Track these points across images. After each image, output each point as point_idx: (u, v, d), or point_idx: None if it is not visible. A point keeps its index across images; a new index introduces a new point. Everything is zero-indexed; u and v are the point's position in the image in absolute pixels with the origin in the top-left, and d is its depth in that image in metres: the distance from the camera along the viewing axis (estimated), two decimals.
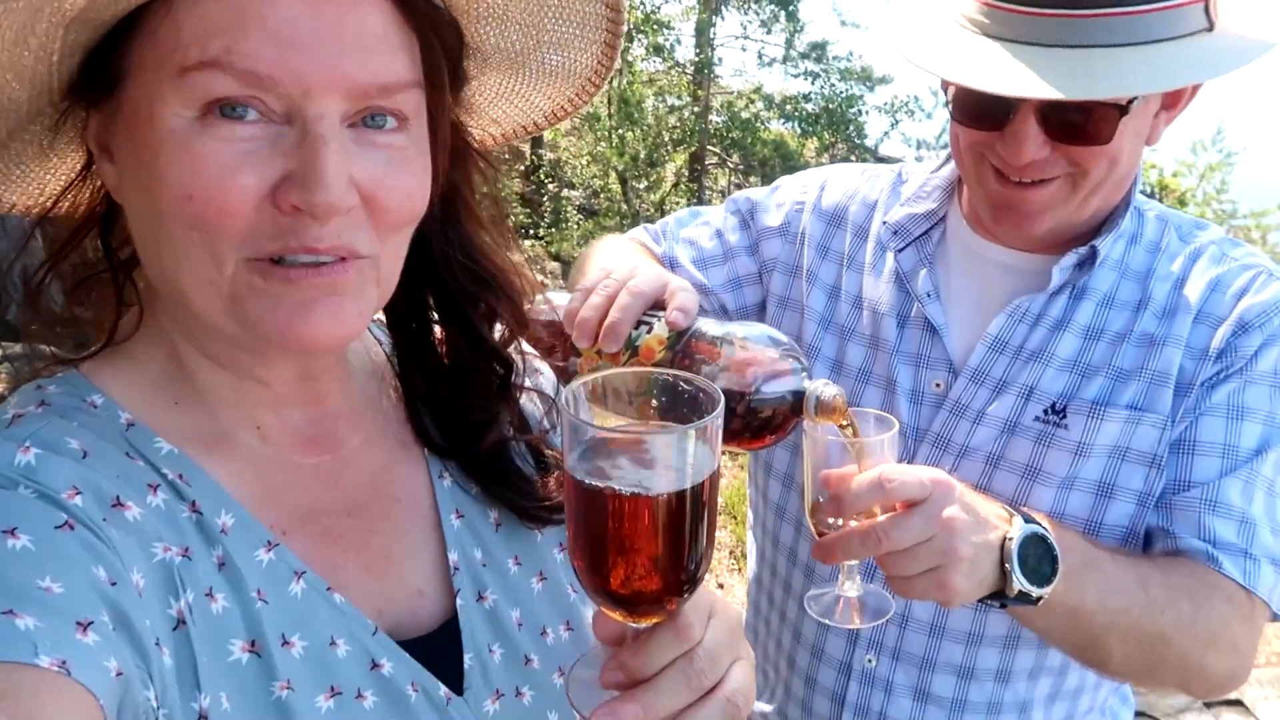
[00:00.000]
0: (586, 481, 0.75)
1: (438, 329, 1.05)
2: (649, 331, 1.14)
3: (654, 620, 0.79)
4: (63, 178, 0.89)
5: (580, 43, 0.96)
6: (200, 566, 0.80)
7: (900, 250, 1.59)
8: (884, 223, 1.62)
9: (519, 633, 0.99)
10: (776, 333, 1.17)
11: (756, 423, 1.11)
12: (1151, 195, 14.29)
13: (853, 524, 1.16)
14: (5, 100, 0.76)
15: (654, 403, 0.82)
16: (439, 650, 0.92)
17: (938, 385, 1.52)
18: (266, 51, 0.71)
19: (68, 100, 0.80)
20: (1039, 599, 1.19)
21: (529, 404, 1.13)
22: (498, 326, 1.05)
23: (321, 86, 0.74)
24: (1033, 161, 1.32)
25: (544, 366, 1.17)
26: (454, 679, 0.92)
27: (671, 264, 1.75)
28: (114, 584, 0.71)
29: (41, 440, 0.77)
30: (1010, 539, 1.18)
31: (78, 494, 0.74)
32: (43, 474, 0.74)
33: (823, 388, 1.11)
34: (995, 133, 1.34)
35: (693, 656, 0.78)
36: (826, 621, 1.29)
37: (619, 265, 1.26)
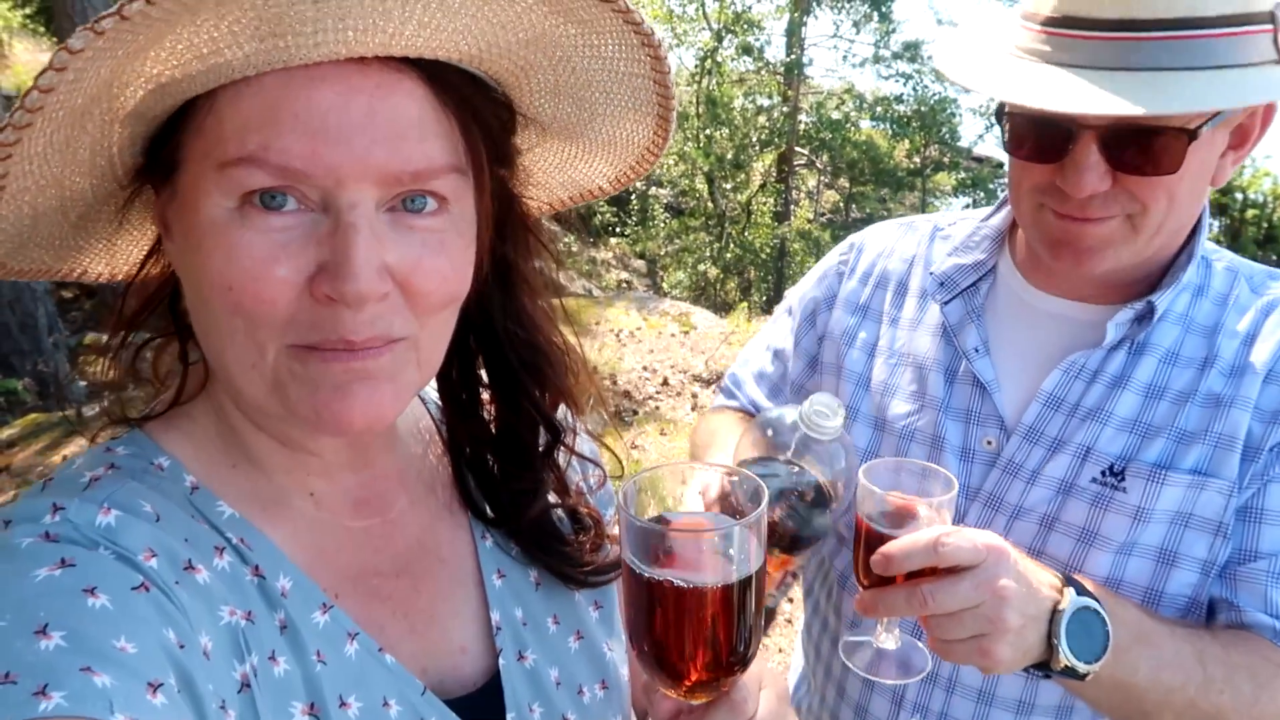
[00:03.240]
0: (644, 574, 0.78)
1: (485, 394, 1.05)
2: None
3: (709, 698, 0.83)
4: (143, 248, 0.93)
5: (633, 115, 0.97)
6: (263, 630, 0.82)
7: (947, 302, 1.53)
8: (930, 273, 1.56)
9: (557, 692, 1.00)
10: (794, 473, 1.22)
11: (795, 533, 1.18)
12: (1264, 206, 13.64)
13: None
14: (71, 190, 0.79)
15: (706, 497, 0.88)
16: (482, 709, 0.94)
17: (989, 443, 1.45)
18: (299, 146, 0.72)
19: (136, 182, 0.83)
20: (1086, 674, 1.15)
21: (569, 466, 1.13)
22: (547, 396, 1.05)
23: (353, 176, 0.74)
24: (1093, 195, 1.25)
25: (581, 430, 1.17)
26: None
27: (755, 407, 1.76)
28: (182, 647, 0.73)
29: (119, 502, 0.79)
30: (1061, 610, 1.14)
31: (153, 556, 0.76)
32: (122, 535, 0.76)
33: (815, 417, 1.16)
34: (1055, 165, 1.27)
35: None
36: (856, 670, 1.26)
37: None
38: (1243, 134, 1.31)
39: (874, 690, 1.50)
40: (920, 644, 1.26)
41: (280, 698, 0.81)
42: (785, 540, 1.19)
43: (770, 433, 1.21)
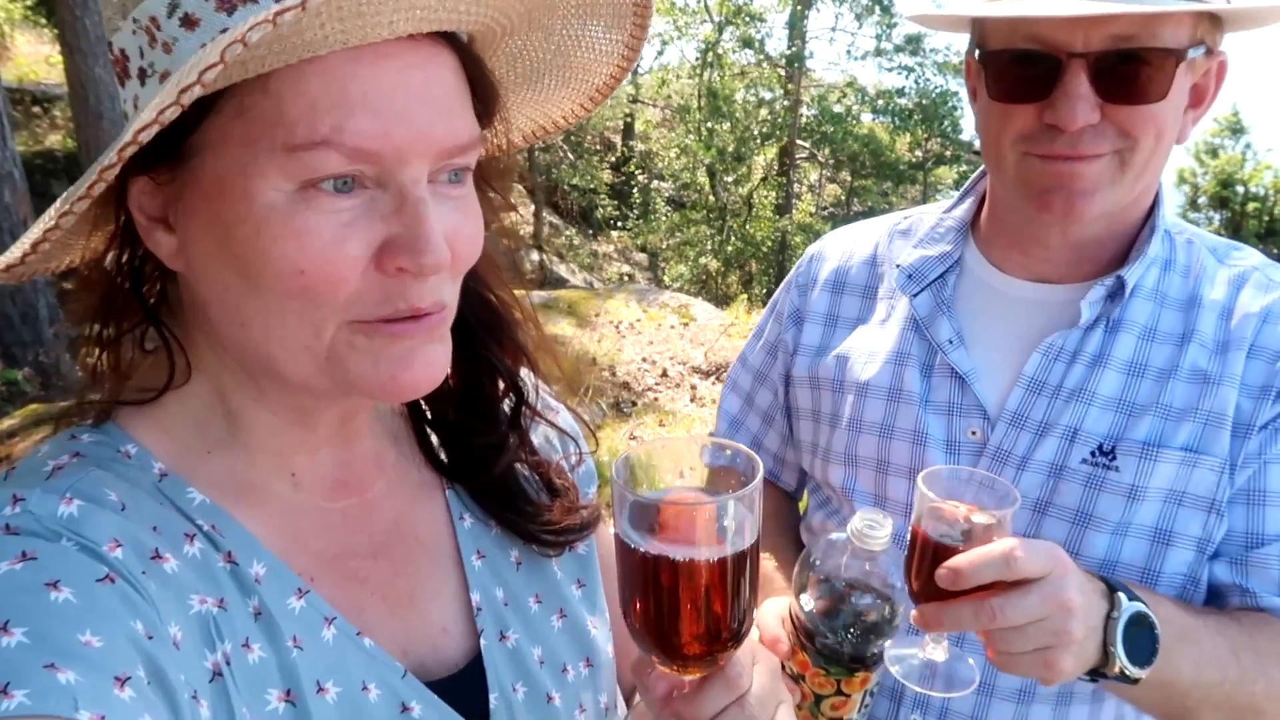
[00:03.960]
0: (639, 548, 0.78)
1: None
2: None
3: (704, 673, 0.84)
4: (96, 240, 0.88)
5: (577, 82, 0.96)
6: (236, 617, 0.81)
7: (915, 295, 1.52)
8: (897, 266, 1.56)
9: (541, 671, 1.00)
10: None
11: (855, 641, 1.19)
12: (1265, 199, 13.58)
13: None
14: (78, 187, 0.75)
15: (701, 471, 0.87)
16: (464, 690, 0.93)
17: (973, 434, 1.44)
18: (372, 128, 0.72)
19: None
20: (1138, 679, 1.15)
21: (545, 442, 1.13)
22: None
23: (415, 152, 0.75)
24: (1085, 127, 1.24)
25: (560, 406, 1.17)
26: (479, 718, 0.93)
27: (757, 445, 1.77)
28: (151, 638, 0.71)
29: (82, 492, 0.77)
30: (1114, 619, 1.14)
31: (118, 546, 0.74)
32: (85, 526, 0.74)
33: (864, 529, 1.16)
34: (1041, 103, 1.27)
35: (744, 704, 0.83)
36: (911, 685, 1.23)
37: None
38: (1199, 93, 1.33)
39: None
40: (961, 653, 1.25)
41: (255, 685, 0.79)
42: (864, 660, 1.19)
43: (822, 560, 1.22)
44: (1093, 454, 1.35)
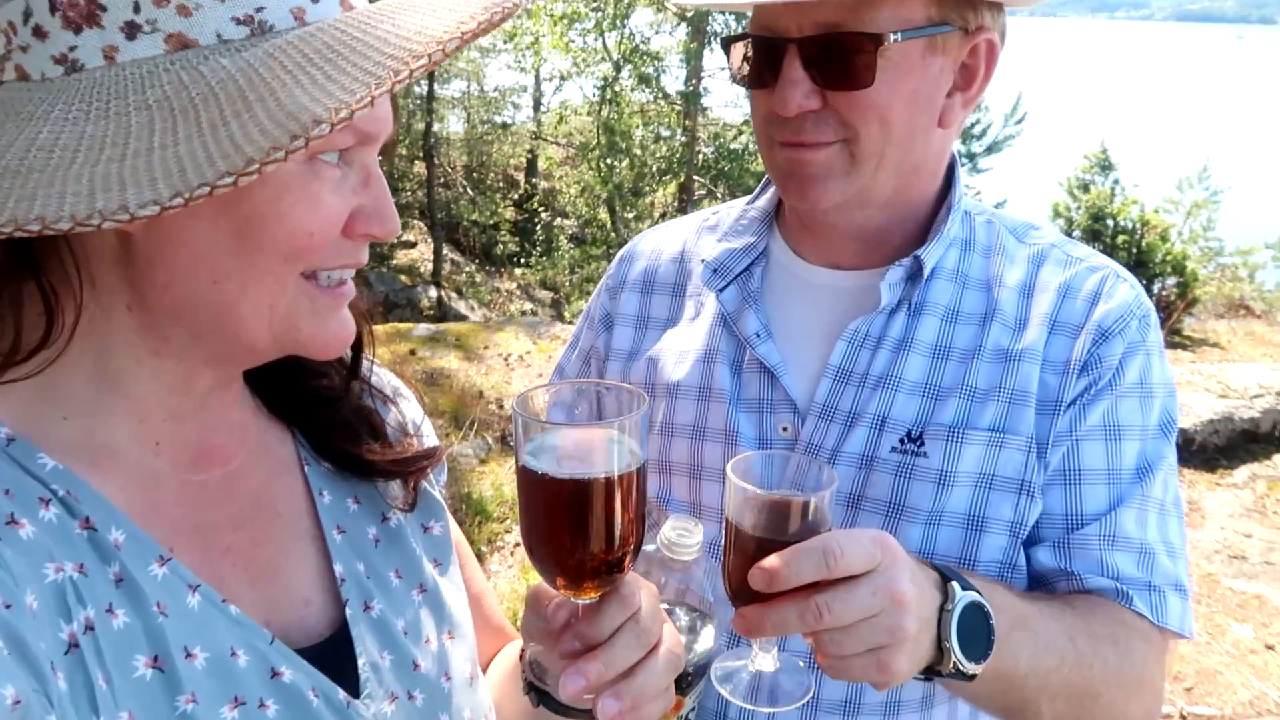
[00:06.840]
0: (540, 472, 0.86)
1: None
2: None
3: (598, 594, 0.91)
4: None
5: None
6: (98, 583, 0.80)
7: (722, 290, 1.46)
8: (702, 261, 1.51)
9: (405, 640, 1.02)
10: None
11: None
12: (1133, 231, 14.32)
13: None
14: None
15: (590, 407, 0.95)
16: (332, 657, 0.94)
17: (785, 429, 1.39)
18: (373, 111, 0.78)
19: None
20: (974, 675, 1.07)
21: (396, 427, 1.13)
22: None
23: (382, 134, 0.87)
24: (804, 115, 1.25)
25: (410, 395, 1.19)
26: (349, 684, 0.94)
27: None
28: (8, 607, 0.71)
29: None
30: (949, 610, 1.05)
31: None
32: None
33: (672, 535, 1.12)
34: (772, 89, 1.27)
35: (638, 618, 0.91)
36: (738, 703, 1.09)
37: None
38: (969, 74, 1.33)
39: (729, 706, 1.37)
40: (795, 660, 1.12)
41: (121, 650, 0.79)
42: (675, 683, 1.07)
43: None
44: (901, 441, 1.32)
